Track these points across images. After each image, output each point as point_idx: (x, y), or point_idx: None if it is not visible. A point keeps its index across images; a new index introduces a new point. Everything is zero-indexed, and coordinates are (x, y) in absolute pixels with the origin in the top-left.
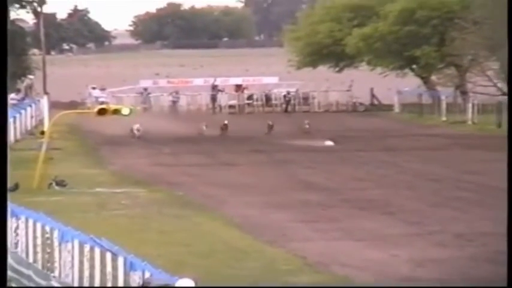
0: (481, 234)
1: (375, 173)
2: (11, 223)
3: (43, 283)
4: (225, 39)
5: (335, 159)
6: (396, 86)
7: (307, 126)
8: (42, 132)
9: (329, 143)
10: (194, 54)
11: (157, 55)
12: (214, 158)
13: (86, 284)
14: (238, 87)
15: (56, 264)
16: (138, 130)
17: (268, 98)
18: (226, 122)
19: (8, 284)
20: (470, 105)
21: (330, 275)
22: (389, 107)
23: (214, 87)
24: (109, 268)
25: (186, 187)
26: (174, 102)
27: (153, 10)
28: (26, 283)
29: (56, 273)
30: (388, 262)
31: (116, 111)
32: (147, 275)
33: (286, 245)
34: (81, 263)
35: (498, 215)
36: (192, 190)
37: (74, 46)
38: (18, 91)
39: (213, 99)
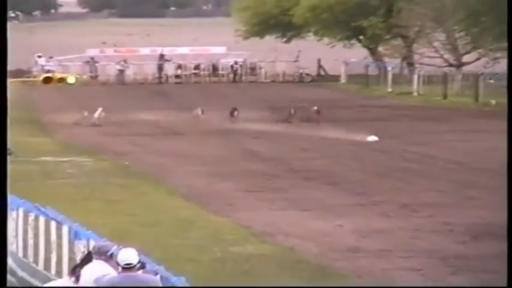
0: (426, 205)
1: (320, 143)
2: None
3: None
4: (173, 8)
5: (280, 130)
6: (343, 57)
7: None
8: None
9: (373, 138)
10: (141, 24)
11: (104, 24)
12: (160, 127)
13: (29, 252)
14: (162, 57)
15: None
16: (99, 117)
17: (215, 68)
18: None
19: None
20: (416, 76)
21: (275, 245)
22: (336, 78)
23: (161, 57)
24: (54, 237)
25: (132, 157)
26: (122, 72)
27: None
28: None
29: None
30: (333, 232)
31: (62, 80)
32: (91, 243)
33: (231, 215)
34: (25, 231)
35: (443, 186)
36: (137, 160)
37: (20, 13)
38: None
39: (160, 69)
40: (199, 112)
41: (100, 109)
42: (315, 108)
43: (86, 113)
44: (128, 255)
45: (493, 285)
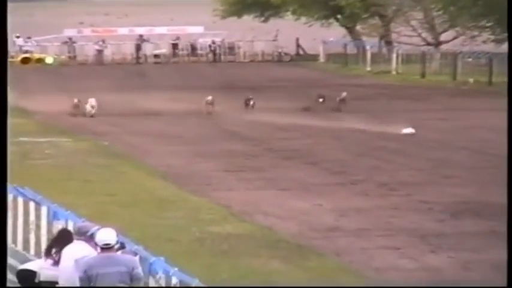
0: (404, 184)
1: (299, 123)
2: None
3: None
4: None
5: (255, 110)
6: (321, 36)
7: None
8: None
9: (409, 130)
10: (119, 3)
11: (82, 4)
12: (137, 105)
13: (8, 232)
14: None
15: None
16: (92, 107)
17: (193, 48)
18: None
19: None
20: (394, 55)
21: (254, 225)
22: (315, 57)
23: (139, 37)
24: (32, 217)
25: (111, 137)
26: (100, 52)
27: None
28: None
29: None
30: (312, 212)
31: (40, 61)
32: (70, 224)
33: (210, 195)
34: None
35: (421, 165)
36: (117, 140)
37: None
38: None
39: (138, 49)
40: (210, 101)
41: (93, 99)
42: (343, 95)
43: (76, 100)
44: (106, 235)
45: (492, 285)
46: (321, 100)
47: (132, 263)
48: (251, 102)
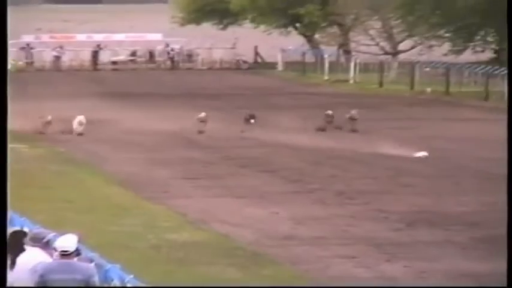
0: (361, 192)
1: (255, 130)
2: None
3: None
4: None
5: (216, 118)
6: (280, 44)
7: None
8: None
9: (422, 154)
10: (78, 10)
11: (40, 10)
12: (94, 112)
13: None
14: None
15: None
16: (80, 124)
17: (152, 55)
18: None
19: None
20: (352, 64)
21: (210, 232)
22: (273, 65)
23: (97, 45)
24: None
25: (68, 144)
26: (58, 58)
27: None
28: None
29: None
30: (268, 220)
31: None
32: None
33: (167, 202)
34: None
35: (378, 173)
36: (74, 147)
37: None
38: None
39: (95, 55)
40: (203, 119)
41: (82, 116)
42: (352, 113)
43: (49, 118)
44: (66, 242)
45: (492, 285)
46: (329, 119)
47: (88, 271)
48: (252, 121)
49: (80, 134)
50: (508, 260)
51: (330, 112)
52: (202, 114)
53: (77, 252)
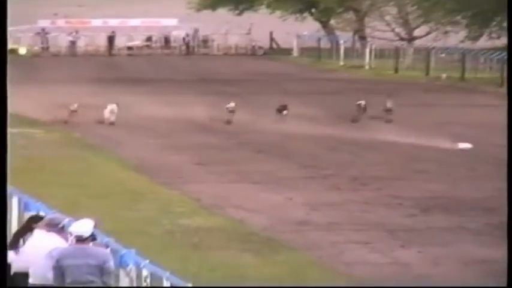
0: (375, 178)
1: (271, 116)
2: None
3: None
4: None
5: (229, 102)
6: (295, 30)
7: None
8: None
9: (465, 145)
10: None
11: None
12: (106, 97)
13: None
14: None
15: None
16: (112, 113)
17: (167, 40)
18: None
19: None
20: (368, 50)
21: (225, 218)
22: (288, 51)
23: (113, 31)
24: None
25: (83, 128)
26: (73, 43)
27: None
28: None
29: None
30: (283, 205)
31: (13, 51)
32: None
33: (181, 187)
34: None
35: (393, 159)
36: (89, 131)
37: None
38: None
39: (111, 40)
40: (231, 109)
41: (114, 105)
42: (388, 105)
43: (75, 105)
44: (82, 227)
45: (492, 285)
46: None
47: (103, 257)
48: (284, 112)
49: (112, 124)
50: (508, 260)
51: (362, 102)
52: (232, 104)
53: (93, 237)
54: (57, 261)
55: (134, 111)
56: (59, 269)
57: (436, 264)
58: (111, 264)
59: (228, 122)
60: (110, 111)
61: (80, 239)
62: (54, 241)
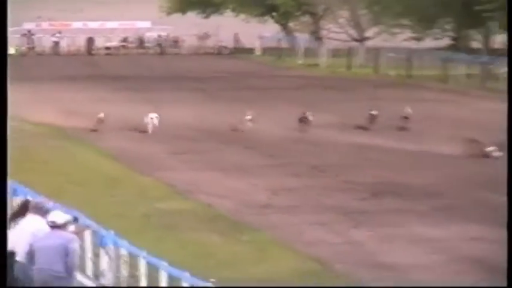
0: (332, 166)
1: (237, 109)
2: None
3: None
4: None
5: (199, 98)
6: (258, 32)
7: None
8: None
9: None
10: (73, 0)
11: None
12: (88, 92)
13: None
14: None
15: None
16: (152, 119)
17: (141, 41)
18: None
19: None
20: (323, 49)
21: (196, 202)
22: (252, 51)
23: (92, 33)
24: None
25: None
26: (56, 43)
27: None
28: None
29: None
30: (248, 190)
31: None
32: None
33: (156, 174)
34: None
35: (347, 148)
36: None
37: None
38: None
39: (90, 41)
40: (248, 119)
41: (154, 115)
42: (408, 112)
43: (101, 115)
44: (56, 216)
45: (492, 285)
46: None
47: (68, 239)
48: (310, 118)
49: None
50: (508, 260)
51: (374, 112)
52: (249, 116)
53: (74, 219)
54: (31, 245)
55: (113, 106)
56: (31, 252)
57: (385, 242)
58: (76, 245)
59: (241, 131)
60: (150, 118)
61: (53, 225)
62: (39, 223)
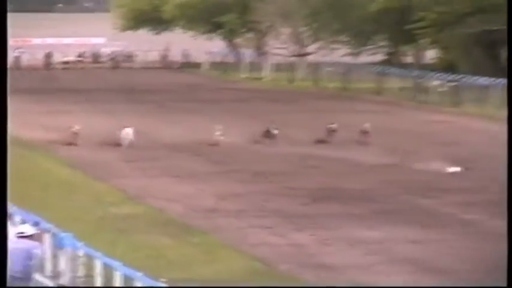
0: (275, 173)
1: (184, 121)
2: None
3: None
4: (60, 5)
5: (152, 109)
6: (205, 47)
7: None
8: None
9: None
10: (33, 18)
11: None
12: (47, 104)
13: None
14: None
15: None
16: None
17: (96, 56)
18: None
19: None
20: (266, 64)
21: (146, 206)
22: (199, 65)
23: (50, 47)
24: None
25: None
26: (17, 58)
27: None
28: None
29: None
30: (196, 195)
31: None
32: None
33: (110, 181)
34: None
35: (289, 157)
36: (30, 134)
37: None
38: None
39: (49, 56)
40: (218, 133)
41: (130, 129)
42: (365, 126)
43: (76, 128)
44: (24, 228)
45: (492, 285)
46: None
47: (32, 246)
48: (275, 132)
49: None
50: (508, 260)
51: (333, 126)
52: (218, 129)
53: (35, 223)
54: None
55: (71, 117)
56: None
57: (325, 245)
58: (37, 251)
59: (215, 144)
60: (125, 135)
61: (21, 236)
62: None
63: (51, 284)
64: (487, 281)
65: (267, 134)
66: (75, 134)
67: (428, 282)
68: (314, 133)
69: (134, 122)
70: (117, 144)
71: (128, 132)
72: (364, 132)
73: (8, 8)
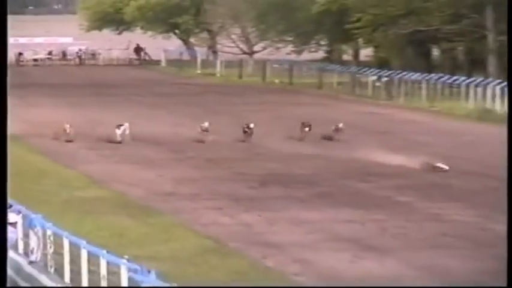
0: (226, 160)
1: (146, 112)
2: None
3: None
4: (31, 7)
5: (116, 102)
6: (163, 46)
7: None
8: None
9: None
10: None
11: None
12: (23, 99)
13: None
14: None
15: None
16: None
17: (64, 54)
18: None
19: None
20: (218, 61)
21: (110, 190)
22: (158, 62)
23: (22, 46)
24: None
25: None
26: None
27: None
28: None
29: None
30: (156, 180)
31: None
32: None
33: (77, 167)
34: None
35: (234, 145)
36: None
37: None
38: None
39: (20, 54)
40: (205, 128)
41: (126, 124)
42: (339, 126)
43: (67, 126)
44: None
45: (492, 286)
46: (306, 129)
47: (10, 231)
48: (251, 126)
49: (119, 142)
50: (508, 260)
51: (307, 123)
52: (206, 124)
53: (9, 205)
54: None
55: (41, 109)
56: None
57: (271, 224)
58: (13, 235)
59: (200, 141)
60: (121, 131)
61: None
62: None
63: (50, 284)
64: (417, 257)
65: (246, 131)
66: (47, 124)
67: (373, 260)
68: (260, 124)
69: (97, 113)
70: (86, 134)
71: (124, 128)
72: (306, 125)
73: None
